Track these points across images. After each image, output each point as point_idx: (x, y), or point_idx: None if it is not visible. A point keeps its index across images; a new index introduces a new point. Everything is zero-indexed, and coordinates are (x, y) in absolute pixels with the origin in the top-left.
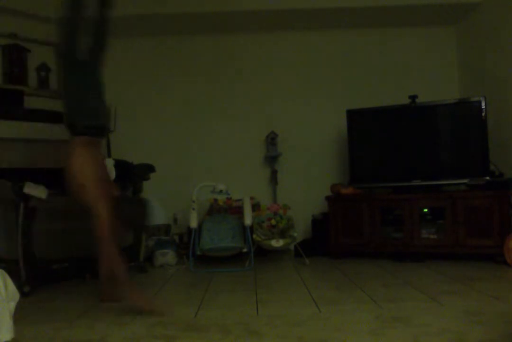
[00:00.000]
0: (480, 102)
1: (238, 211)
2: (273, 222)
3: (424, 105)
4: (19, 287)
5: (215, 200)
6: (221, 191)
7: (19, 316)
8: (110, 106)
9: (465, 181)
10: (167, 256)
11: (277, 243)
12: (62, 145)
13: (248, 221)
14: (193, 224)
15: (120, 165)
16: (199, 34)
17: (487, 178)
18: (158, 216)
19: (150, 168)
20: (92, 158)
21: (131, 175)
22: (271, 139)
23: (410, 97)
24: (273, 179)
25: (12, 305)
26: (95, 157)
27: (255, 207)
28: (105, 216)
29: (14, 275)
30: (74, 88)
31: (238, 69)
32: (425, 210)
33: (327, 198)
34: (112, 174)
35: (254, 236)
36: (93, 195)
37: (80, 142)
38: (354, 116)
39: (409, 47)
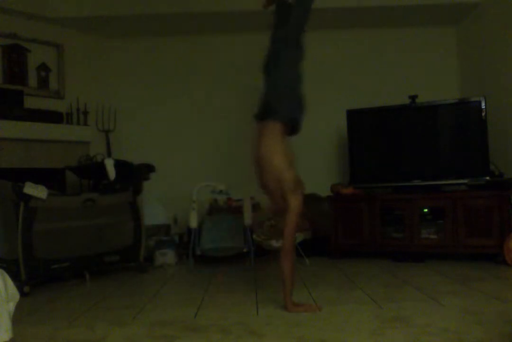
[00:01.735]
0: (480, 102)
1: (238, 211)
2: (273, 222)
3: (424, 105)
4: (19, 287)
5: (215, 200)
6: (221, 191)
7: (19, 316)
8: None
9: (465, 181)
10: (167, 256)
11: (277, 243)
12: (62, 146)
13: (248, 221)
14: (193, 224)
15: (120, 165)
16: (200, 34)
17: (487, 177)
18: (158, 216)
19: (150, 168)
20: (288, 148)
21: (131, 175)
22: None
23: (410, 97)
24: None
25: (12, 305)
26: (290, 149)
27: (255, 207)
28: (299, 205)
29: (14, 275)
30: (292, 73)
31: (238, 69)
32: (425, 210)
33: (327, 198)
34: (112, 174)
35: (254, 236)
36: (294, 177)
37: (281, 128)
38: (354, 116)
39: (409, 47)
